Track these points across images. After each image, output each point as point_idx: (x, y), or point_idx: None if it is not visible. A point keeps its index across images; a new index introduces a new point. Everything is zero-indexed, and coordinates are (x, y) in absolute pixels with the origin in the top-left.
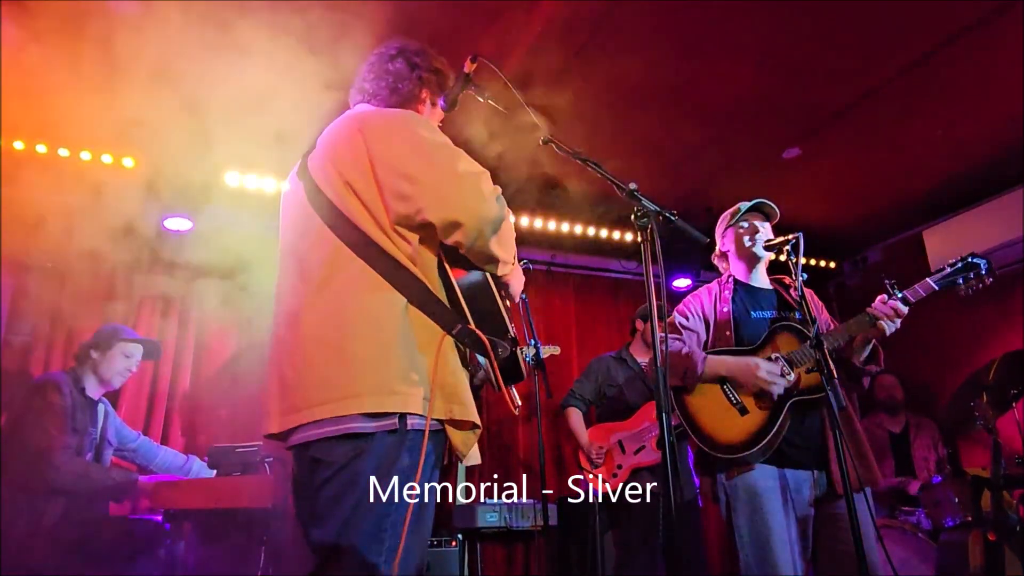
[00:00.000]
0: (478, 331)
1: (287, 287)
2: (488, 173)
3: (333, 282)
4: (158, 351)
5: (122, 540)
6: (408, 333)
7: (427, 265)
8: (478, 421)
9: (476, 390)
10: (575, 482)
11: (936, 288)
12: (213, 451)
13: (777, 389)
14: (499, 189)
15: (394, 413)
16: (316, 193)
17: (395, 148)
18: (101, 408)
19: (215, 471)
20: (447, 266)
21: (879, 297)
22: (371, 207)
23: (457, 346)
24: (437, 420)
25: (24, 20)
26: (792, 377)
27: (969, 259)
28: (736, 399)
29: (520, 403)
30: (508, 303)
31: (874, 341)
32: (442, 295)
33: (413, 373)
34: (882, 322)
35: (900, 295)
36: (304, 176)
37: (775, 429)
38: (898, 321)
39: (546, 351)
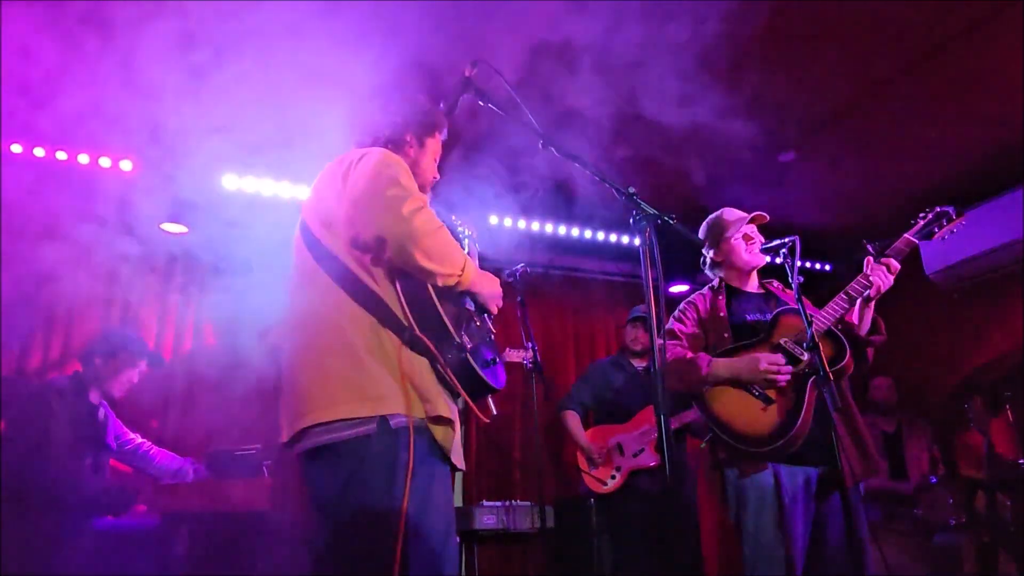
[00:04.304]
0: (423, 337)
1: (288, 312)
2: (417, 197)
3: (316, 305)
4: (161, 363)
5: (118, 543)
6: (378, 345)
7: (384, 281)
8: (445, 414)
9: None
10: (575, 483)
11: (916, 241)
12: (211, 455)
13: (783, 379)
14: (426, 210)
15: (372, 417)
16: (304, 228)
17: (352, 180)
18: (101, 412)
19: (213, 474)
20: (397, 281)
21: (867, 259)
22: (341, 234)
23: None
24: (419, 418)
25: (25, 21)
26: (806, 356)
27: (937, 209)
28: (758, 391)
29: (495, 412)
30: (485, 314)
31: (872, 310)
32: (395, 307)
33: (386, 380)
34: (874, 279)
35: (887, 255)
36: (299, 215)
37: (803, 413)
38: (891, 278)
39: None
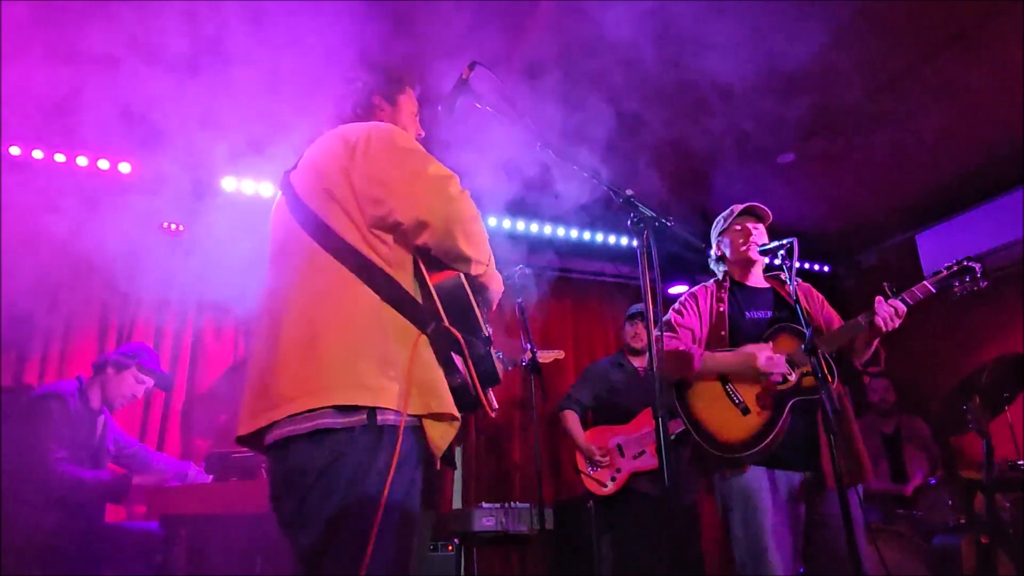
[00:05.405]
0: (453, 329)
1: (267, 294)
2: (457, 177)
3: (309, 284)
4: (169, 384)
5: (118, 547)
6: (382, 331)
7: (402, 266)
8: (456, 413)
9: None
10: (574, 485)
11: (933, 291)
12: (210, 457)
13: (778, 374)
14: (467, 192)
15: (364, 407)
16: (296, 202)
17: (370, 155)
18: (101, 418)
19: (212, 477)
20: (423, 267)
21: (878, 298)
22: (349, 211)
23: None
24: (414, 416)
25: (24, 23)
26: (793, 377)
27: (964, 262)
28: (738, 399)
29: (497, 406)
30: (485, 308)
31: (876, 343)
32: (417, 295)
33: (387, 369)
34: (879, 320)
35: (899, 297)
36: (286, 188)
37: (776, 430)
38: (897, 322)
39: (550, 355)
